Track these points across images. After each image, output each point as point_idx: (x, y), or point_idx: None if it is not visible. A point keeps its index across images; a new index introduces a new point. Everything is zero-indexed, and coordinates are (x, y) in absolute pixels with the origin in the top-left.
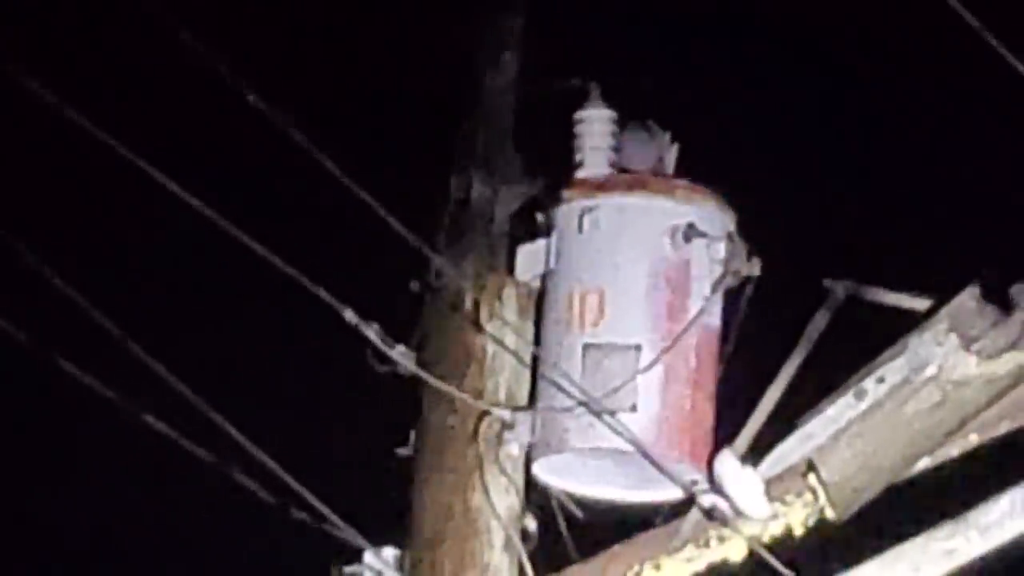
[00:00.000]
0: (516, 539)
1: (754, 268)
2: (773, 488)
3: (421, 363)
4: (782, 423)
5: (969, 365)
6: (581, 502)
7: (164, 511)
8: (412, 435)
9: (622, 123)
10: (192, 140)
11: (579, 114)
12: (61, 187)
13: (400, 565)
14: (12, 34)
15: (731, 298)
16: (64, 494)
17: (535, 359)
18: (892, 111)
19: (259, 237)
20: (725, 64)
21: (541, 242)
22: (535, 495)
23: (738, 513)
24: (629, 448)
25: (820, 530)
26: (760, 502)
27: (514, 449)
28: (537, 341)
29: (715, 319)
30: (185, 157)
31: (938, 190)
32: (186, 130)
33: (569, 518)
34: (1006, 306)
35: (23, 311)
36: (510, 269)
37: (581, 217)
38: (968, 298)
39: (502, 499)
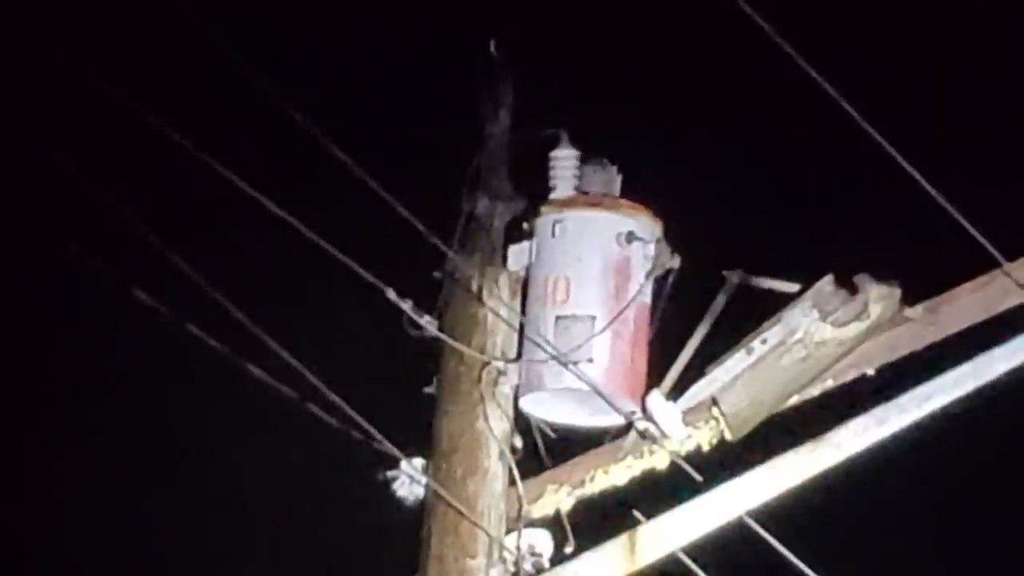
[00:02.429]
0: (507, 452)
1: (675, 262)
2: (688, 417)
3: (441, 328)
4: (695, 371)
5: (826, 331)
6: (553, 426)
7: (255, 434)
8: (435, 379)
9: (583, 160)
10: (284, 164)
11: (553, 153)
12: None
13: (426, 470)
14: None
15: (659, 283)
16: (171, 413)
17: (522, 325)
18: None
19: (333, 242)
20: (657, 114)
21: (526, 243)
22: (521, 422)
23: (663, 434)
24: (587, 388)
25: (721, 446)
26: (679, 426)
27: (506, 389)
28: (523, 312)
29: (647, 298)
30: (276, 170)
31: (807, 210)
32: (271, 154)
33: (545, 437)
34: (852, 290)
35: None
36: (504, 262)
37: (554, 226)
38: (826, 284)
39: (498, 424)
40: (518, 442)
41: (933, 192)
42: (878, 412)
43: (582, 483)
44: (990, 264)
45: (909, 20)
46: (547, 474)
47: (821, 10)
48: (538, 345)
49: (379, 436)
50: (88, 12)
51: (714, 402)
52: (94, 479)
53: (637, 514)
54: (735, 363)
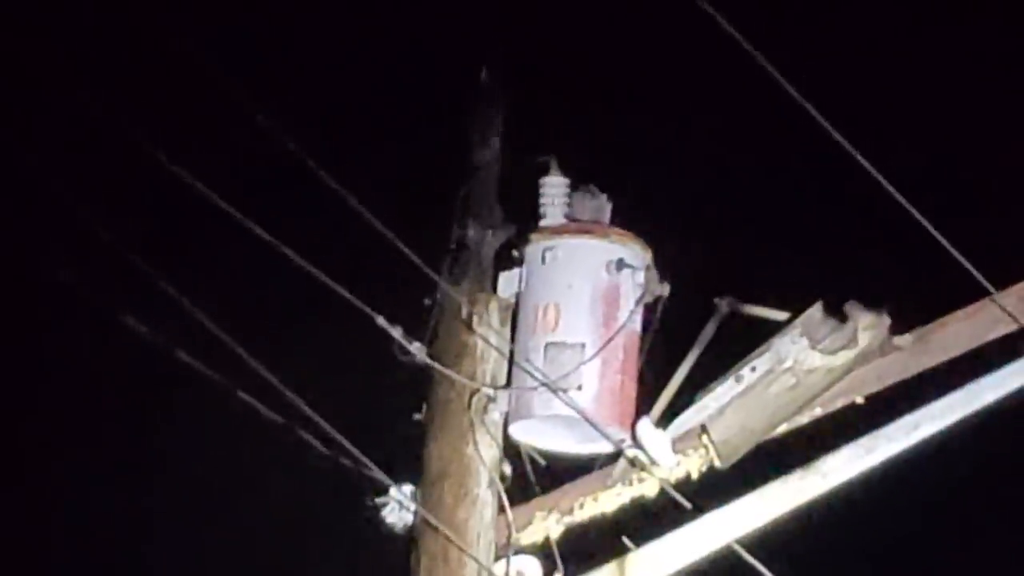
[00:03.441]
0: (497, 480)
1: (664, 290)
2: (677, 444)
3: (431, 355)
4: (684, 399)
5: (815, 359)
6: (543, 454)
7: (244, 461)
8: (424, 406)
9: (573, 187)
10: (274, 191)
11: (543, 180)
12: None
13: (415, 497)
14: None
15: (648, 311)
16: (160, 439)
17: (511, 352)
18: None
19: (323, 268)
20: (648, 142)
21: (516, 270)
22: (511, 449)
23: (652, 462)
24: (576, 415)
25: (710, 474)
26: (668, 454)
27: (496, 416)
28: (513, 339)
29: (637, 325)
30: (268, 197)
31: (797, 238)
32: (261, 180)
33: (534, 464)
34: (842, 318)
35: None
36: (494, 289)
37: (544, 253)
38: (815, 312)
39: (487, 451)
40: (507, 469)
41: (923, 221)
42: (867, 441)
43: (571, 510)
44: (979, 293)
45: (901, 50)
46: (536, 501)
47: (810, 39)
48: (528, 372)
49: (368, 463)
50: (82, 34)
51: (703, 430)
52: (81, 507)
53: (627, 541)
54: (724, 391)
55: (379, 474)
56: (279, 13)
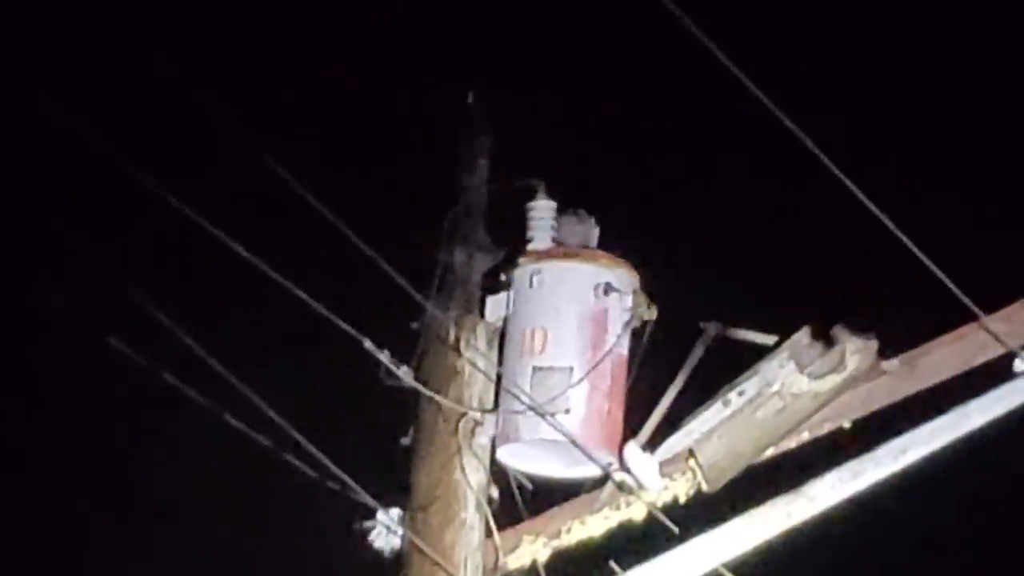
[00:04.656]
0: (484, 503)
1: (652, 314)
2: (665, 468)
3: (418, 379)
4: (672, 422)
5: (802, 383)
6: (530, 477)
7: (231, 484)
8: (411, 429)
9: (560, 211)
10: (262, 216)
11: (530, 204)
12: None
13: (402, 520)
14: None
15: (636, 335)
16: (147, 462)
17: (499, 376)
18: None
19: (310, 292)
20: (635, 166)
21: (503, 294)
22: (498, 472)
23: (640, 486)
24: (564, 439)
25: (698, 498)
26: (656, 478)
27: (483, 440)
28: (500, 363)
29: (625, 349)
30: (255, 222)
31: (784, 262)
32: (249, 205)
33: (522, 488)
34: (829, 342)
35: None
36: (481, 313)
37: (531, 277)
38: (802, 336)
39: (474, 475)
40: (495, 493)
41: (910, 245)
42: (854, 465)
43: (559, 534)
44: (967, 317)
45: (891, 73)
46: (524, 525)
47: (799, 64)
48: (515, 396)
49: (356, 486)
50: (73, 58)
51: (691, 454)
52: (67, 530)
53: (614, 565)
54: (712, 415)
55: (366, 498)
56: (270, 38)
